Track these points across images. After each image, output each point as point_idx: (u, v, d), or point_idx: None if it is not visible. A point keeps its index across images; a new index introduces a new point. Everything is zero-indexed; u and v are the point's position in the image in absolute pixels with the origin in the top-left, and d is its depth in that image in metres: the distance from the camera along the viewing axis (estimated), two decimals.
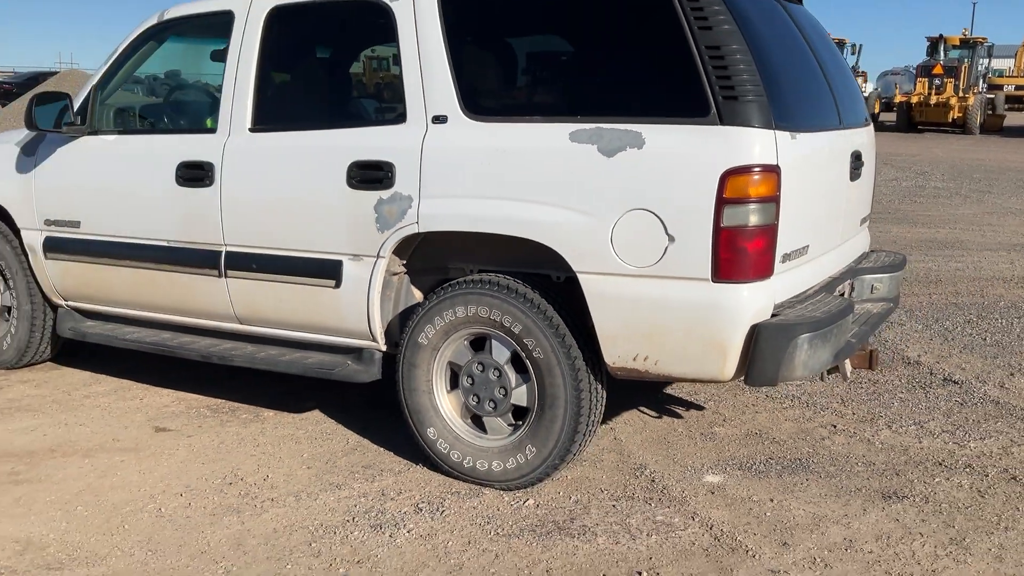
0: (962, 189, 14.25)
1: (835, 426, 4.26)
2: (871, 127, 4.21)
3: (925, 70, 30.87)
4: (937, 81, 30.00)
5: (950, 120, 29.59)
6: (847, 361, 3.72)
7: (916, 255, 8.54)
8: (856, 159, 3.77)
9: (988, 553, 3.08)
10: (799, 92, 3.45)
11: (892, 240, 9.44)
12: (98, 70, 4.40)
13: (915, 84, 31.41)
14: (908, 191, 13.92)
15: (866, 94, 35.60)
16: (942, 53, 31.35)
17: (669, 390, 4.75)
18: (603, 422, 4.20)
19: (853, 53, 33.70)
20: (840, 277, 3.74)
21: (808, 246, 3.32)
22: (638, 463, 3.80)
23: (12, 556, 3.00)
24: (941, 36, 31.80)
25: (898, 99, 31.48)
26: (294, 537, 3.14)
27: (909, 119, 30.13)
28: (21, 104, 21.63)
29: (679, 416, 4.40)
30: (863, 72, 35.49)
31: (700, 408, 4.51)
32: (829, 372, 3.72)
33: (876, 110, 36.40)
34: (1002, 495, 3.53)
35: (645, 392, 4.66)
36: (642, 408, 4.46)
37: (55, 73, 32.07)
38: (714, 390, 4.75)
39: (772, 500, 3.47)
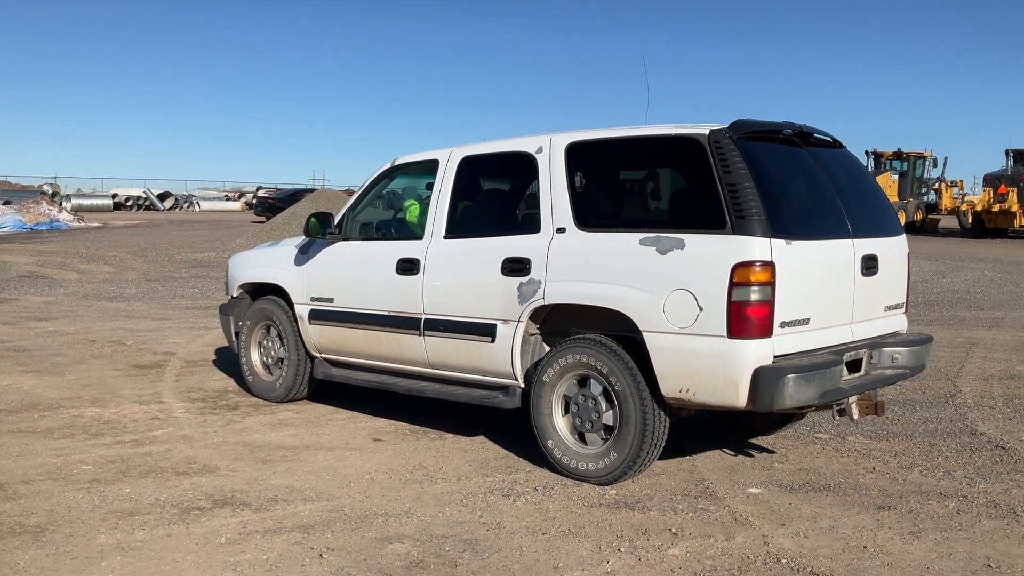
0: None
1: (875, 469, 5.43)
2: (898, 236, 5.50)
3: None
4: None
5: None
6: (854, 406, 4.99)
7: None
8: (869, 260, 5.11)
9: (932, 540, 4.26)
10: (800, 212, 4.90)
11: None
12: (352, 198, 6.57)
13: None
14: None
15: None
16: None
17: (754, 440, 6.09)
18: (687, 455, 5.65)
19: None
20: (854, 346, 5.05)
21: (809, 319, 4.71)
22: (701, 478, 5.21)
23: (284, 494, 4.90)
24: None
25: None
26: (453, 497, 4.85)
27: None
28: (282, 217, 25.80)
29: (751, 456, 5.74)
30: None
31: (772, 452, 5.82)
32: (840, 414, 5.01)
33: None
34: (975, 513, 4.63)
35: (732, 439, 6.05)
36: (724, 449, 5.85)
37: (311, 191, 37.28)
38: (791, 442, 6.03)
39: (790, 504, 4.78)
